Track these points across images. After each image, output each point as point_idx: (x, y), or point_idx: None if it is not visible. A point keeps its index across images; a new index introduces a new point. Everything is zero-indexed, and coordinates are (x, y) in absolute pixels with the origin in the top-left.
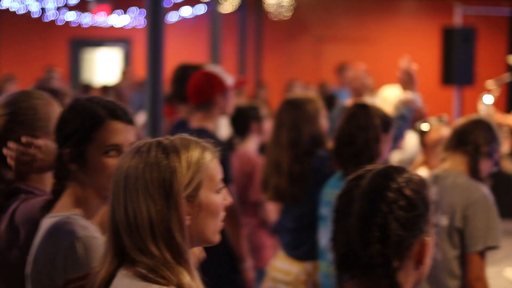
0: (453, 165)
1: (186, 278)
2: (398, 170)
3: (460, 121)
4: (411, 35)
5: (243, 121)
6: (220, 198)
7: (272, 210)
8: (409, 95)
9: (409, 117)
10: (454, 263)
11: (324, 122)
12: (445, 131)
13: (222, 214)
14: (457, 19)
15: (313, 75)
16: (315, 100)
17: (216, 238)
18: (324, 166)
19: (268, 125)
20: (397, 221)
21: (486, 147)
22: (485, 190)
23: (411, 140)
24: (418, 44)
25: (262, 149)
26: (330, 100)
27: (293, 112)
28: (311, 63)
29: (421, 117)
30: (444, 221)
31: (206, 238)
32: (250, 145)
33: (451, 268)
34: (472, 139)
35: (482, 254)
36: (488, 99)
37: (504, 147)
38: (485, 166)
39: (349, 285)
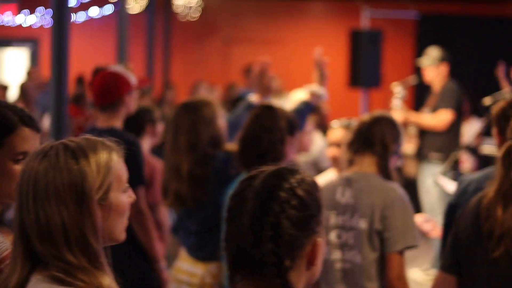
0: (363, 166)
1: (106, 280)
2: (291, 171)
3: (361, 120)
4: (319, 37)
5: (138, 123)
6: (126, 197)
7: (165, 213)
8: (314, 87)
9: (305, 112)
10: (373, 266)
11: (221, 123)
12: (343, 134)
13: (128, 213)
14: (365, 22)
15: (221, 77)
16: (211, 102)
17: (123, 236)
18: (225, 167)
19: (160, 128)
20: (289, 220)
21: (394, 145)
22: (400, 190)
23: (316, 142)
24: (326, 46)
25: (154, 151)
26: (237, 102)
27: (190, 116)
28: (220, 64)
29: (324, 118)
30: (363, 224)
31: (114, 237)
32: (144, 147)
33: (370, 271)
34: (379, 139)
35: (401, 253)
36: (399, 98)
37: (409, 148)
38: (393, 163)
39: (241, 285)
